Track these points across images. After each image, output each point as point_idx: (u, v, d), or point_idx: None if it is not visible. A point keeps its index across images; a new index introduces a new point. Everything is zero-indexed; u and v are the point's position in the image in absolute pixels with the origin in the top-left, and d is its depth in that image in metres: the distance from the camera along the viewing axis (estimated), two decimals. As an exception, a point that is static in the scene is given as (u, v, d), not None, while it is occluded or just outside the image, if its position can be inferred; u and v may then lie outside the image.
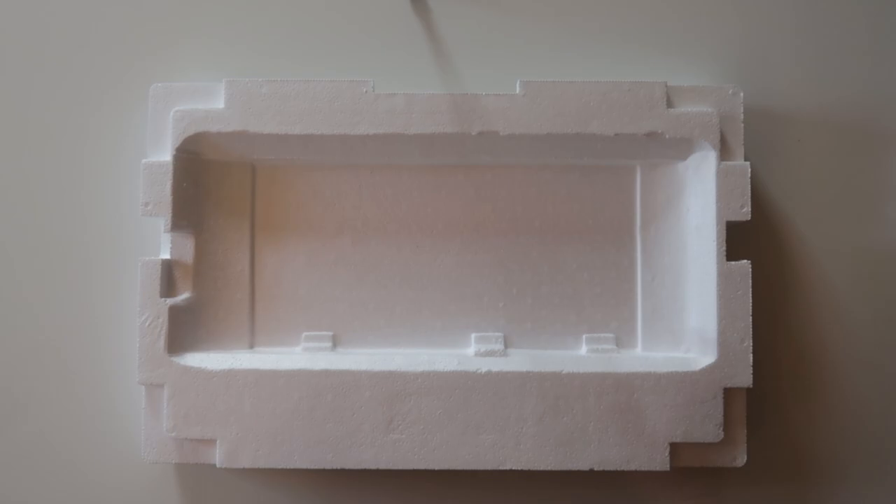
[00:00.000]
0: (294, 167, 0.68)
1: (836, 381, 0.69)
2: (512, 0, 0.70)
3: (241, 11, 0.71)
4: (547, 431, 0.62)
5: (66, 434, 0.68)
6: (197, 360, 0.63)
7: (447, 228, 0.68)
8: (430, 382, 0.63)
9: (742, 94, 0.65)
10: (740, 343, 0.62)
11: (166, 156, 0.64)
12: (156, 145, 0.65)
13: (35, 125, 0.70)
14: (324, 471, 0.64)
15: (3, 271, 0.69)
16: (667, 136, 0.63)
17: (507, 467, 0.62)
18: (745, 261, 0.63)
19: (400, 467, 0.63)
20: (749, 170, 0.63)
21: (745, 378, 0.62)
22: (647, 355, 0.66)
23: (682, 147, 0.65)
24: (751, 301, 0.62)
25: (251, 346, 0.67)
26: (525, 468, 0.62)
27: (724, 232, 0.63)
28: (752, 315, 0.62)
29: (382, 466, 0.63)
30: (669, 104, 0.64)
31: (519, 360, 0.64)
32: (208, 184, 0.67)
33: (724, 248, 0.63)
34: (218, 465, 0.62)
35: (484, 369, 0.63)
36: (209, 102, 0.65)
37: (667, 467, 0.62)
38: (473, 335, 0.67)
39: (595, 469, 0.62)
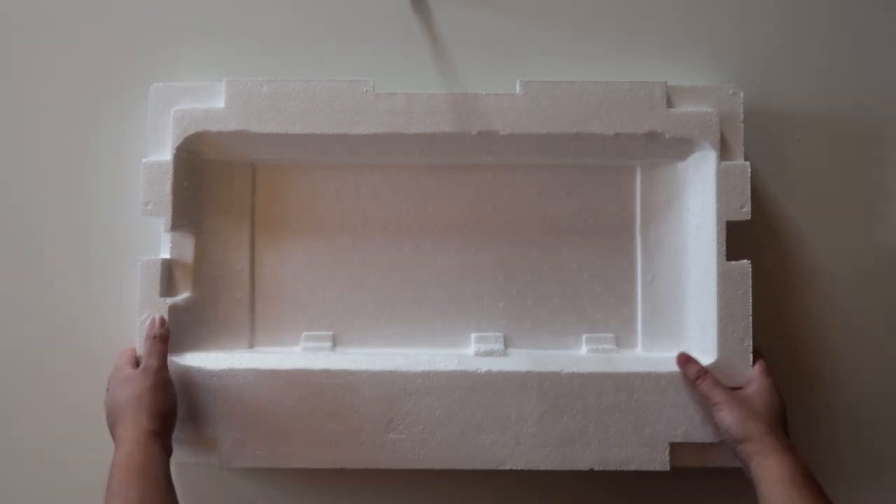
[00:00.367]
0: (294, 166, 0.68)
1: (836, 379, 0.69)
2: (512, 0, 0.70)
3: (242, 12, 0.71)
4: (547, 431, 0.62)
5: (65, 432, 0.68)
6: (197, 359, 0.63)
7: (447, 228, 0.68)
8: (430, 382, 0.63)
9: (742, 95, 0.65)
10: (740, 343, 0.62)
11: (166, 155, 0.64)
12: (156, 145, 0.65)
13: (37, 125, 0.70)
14: (324, 470, 0.64)
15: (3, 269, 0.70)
16: (667, 136, 0.63)
17: (507, 467, 0.62)
18: (745, 261, 0.63)
19: (400, 467, 0.63)
20: (749, 169, 0.63)
21: (744, 377, 0.62)
22: (647, 355, 0.66)
23: (682, 147, 0.65)
24: (751, 301, 0.62)
25: (251, 346, 0.67)
26: (525, 468, 0.62)
27: (724, 232, 0.63)
28: (752, 314, 0.62)
29: (382, 466, 0.63)
30: (669, 104, 0.64)
31: (519, 360, 0.64)
32: (209, 183, 0.66)
33: (724, 247, 0.63)
34: (218, 465, 0.62)
35: (484, 369, 0.63)
36: (209, 102, 0.65)
37: (667, 467, 0.62)
38: (473, 335, 0.67)
39: (595, 469, 0.62)
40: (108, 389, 0.60)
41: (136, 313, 0.63)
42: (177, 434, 0.61)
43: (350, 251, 0.68)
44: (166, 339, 0.61)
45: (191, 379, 0.62)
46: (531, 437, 0.62)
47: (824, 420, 0.68)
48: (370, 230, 0.68)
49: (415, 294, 0.67)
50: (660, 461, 0.62)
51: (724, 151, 0.64)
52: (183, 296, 0.64)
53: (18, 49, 0.70)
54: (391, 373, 0.63)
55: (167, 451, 0.57)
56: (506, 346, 0.66)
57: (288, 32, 0.70)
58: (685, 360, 0.62)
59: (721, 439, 0.61)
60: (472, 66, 0.70)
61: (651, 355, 0.66)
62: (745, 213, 0.63)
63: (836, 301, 0.69)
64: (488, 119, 0.64)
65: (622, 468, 0.62)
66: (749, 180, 0.63)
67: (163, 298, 0.63)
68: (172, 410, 0.59)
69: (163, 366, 0.59)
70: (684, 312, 0.66)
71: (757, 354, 0.63)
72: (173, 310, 0.63)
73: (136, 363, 0.61)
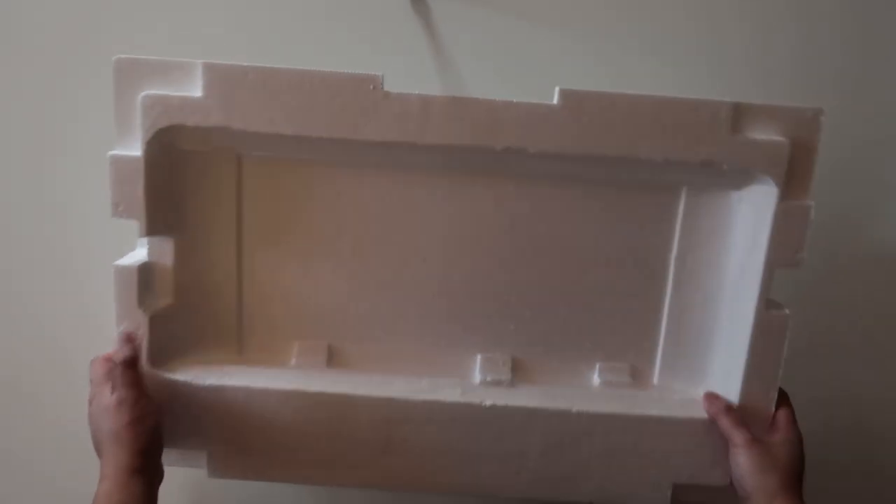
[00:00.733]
0: (287, 161, 0.58)
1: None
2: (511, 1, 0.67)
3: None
4: (549, 466, 0.60)
5: (46, 442, 0.66)
6: (184, 373, 0.59)
7: (459, 241, 0.60)
8: (432, 412, 0.59)
9: (823, 119, 0.54)
10: (764, 395, 0.58)
11: (136, 149, 0.54)
12: (125, 133, 0.55)
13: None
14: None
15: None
16: (724, 167, 0.54)
17: (505, 495, 0.61)
18: (786, 311, 0.56)
19: (394, 489, 0.61)
20: (811, 212, 0.55)
21: (761, 429, 0.58)
22: (661, 394, 0.62)
23: (739, 177, 0.56)
24: (784, 353, 0.57)
25: (240, 353, 0.63)
26: (522, 497, 0.61)
27: (770, 279, 0.56)
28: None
29: (375, 487, 0.61)
30: (735, 127, 0.54)
31: (526, 394, 0.60)
32: (188, 179, 0.58)
33: (767, 295, 0.56)
34: (208, 476, 0.61)
35: (489, 402, 0.59)
36: (185, 87, 0.54)
37: (667, 504, 0.61)
38: (479, 356, 0.62)
39: (594, 503, 0.61)
40: (90, 408, 0.56)
41: (115, 323, 0.57)
42: (166, 445, 0.58)
43: (349, 259, 0.61)
44: (134, 362, 0.56)
45: (178, 391, 0.58)
46: (531, 471, 0.60)
47: (830, 435, 0.66)
48: (372, 237, 0.60)
49: (419, 310, 0.62)
50: (660, 499, 0.61)
51: (789, 187, 0.55)
52: (164, 304, 0.59)
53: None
54: (390, 399, 0.59)
55: (152, 481, 0.55)
56: (514, 370, 0.62)
57: (287, 32, 0.68)
58: (711, 396, 0.59)
59: (729, 483, 0.59)
60: (472, 67, 0.69)
61: (666, 395, 0.62)
62: (797, 259, 0.55)
63: (836, 301, 0.68)
64: (517, 132, 0.54)
65: (621, 503, 0.61)
66: (810, 223, 0.55)
67: (141, 309, 0.57)
68: (155, 443, 0.56)
69: (138, 396, 0.55)
70: (710, 353, 0.61)
71: (783, 400, 0.59)
72: (155, 320, 0.58)
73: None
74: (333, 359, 0.62)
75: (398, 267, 0.61)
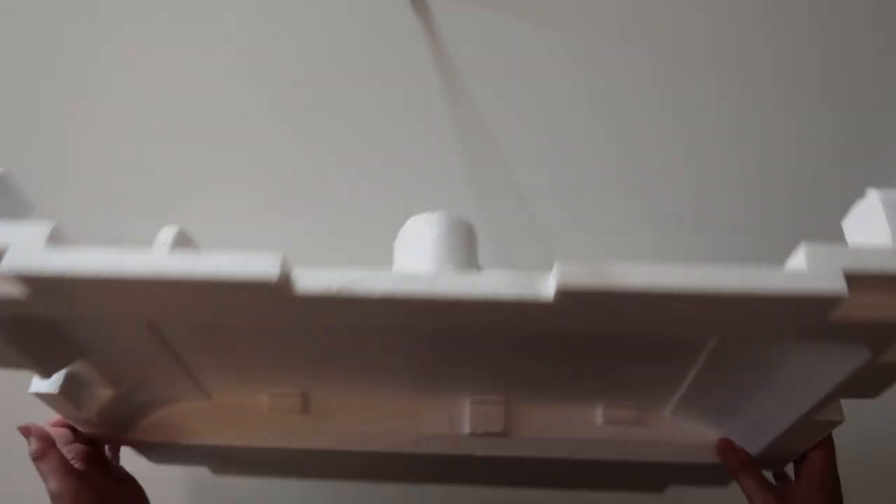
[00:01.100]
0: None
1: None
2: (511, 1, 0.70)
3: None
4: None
5: None
6: (154, 435, 0.56)
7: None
8: (419, 462, 0.57)
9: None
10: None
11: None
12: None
13: None
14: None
15: None
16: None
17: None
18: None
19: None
20: None
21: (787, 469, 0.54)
22: (672, 436, 0.56)
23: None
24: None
25: (210, 398, 0.57)
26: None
27: None
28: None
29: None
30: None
31: (519, 444, 0.56)
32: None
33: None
34: (213, 474, 0.64)
35: (480, 453, 0.56)
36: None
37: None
38: (469, 401, 0.56)
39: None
40: None
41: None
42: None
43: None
44: (59, 460, 0.47)
45: (154, 447, 0.57)
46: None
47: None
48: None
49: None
50: None
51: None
52: (108, 395, 0.52)
53: None
54: (375, 453, 0.56)
55: None
56: (507, 415, 0.56)
57: (287, 31, 0.71)
58: (727, 446, 0.54)
59: None
60: (472, 67, 0.71)
61: (677, 436, 0.56)
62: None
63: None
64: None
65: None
66: None
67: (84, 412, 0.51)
68: None
69: (77, 487, 0.46)
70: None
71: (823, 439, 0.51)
72: (104, 410, 0.52)
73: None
74: (310, 407, 0.57)
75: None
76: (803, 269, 0.35)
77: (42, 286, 0.37)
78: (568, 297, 0.35)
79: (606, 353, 0.47)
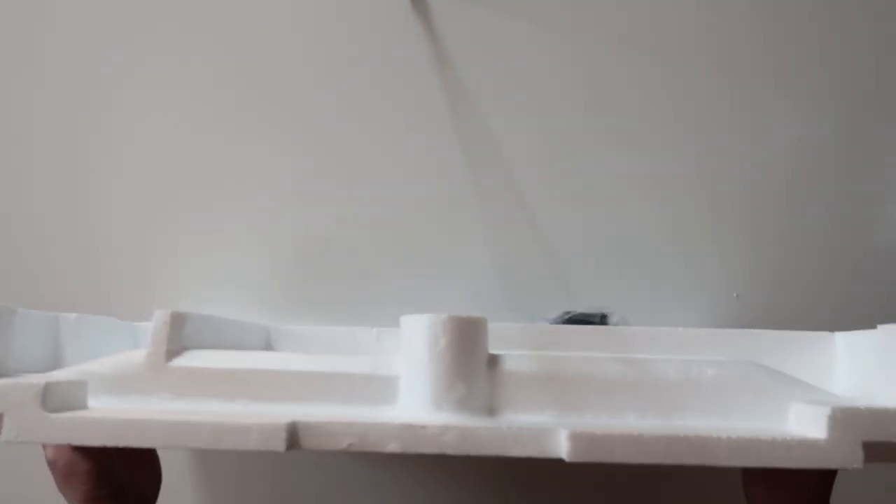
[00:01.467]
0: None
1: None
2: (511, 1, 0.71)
3: None
4: None
5: None
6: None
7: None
8: None
9: None
10: None
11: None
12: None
13: None
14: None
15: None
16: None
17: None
18: None
19: None
20: None
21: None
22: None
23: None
24: None
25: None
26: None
27: None
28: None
29: None
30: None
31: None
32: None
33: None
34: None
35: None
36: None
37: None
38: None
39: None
40: None
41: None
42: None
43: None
44: None
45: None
46: None
47: None
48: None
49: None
50: None
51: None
52: None
53: None
54: None
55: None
56: None
57: (287, 32, 0.72)
58: None
59: None
60: (472, 67, 0.71)
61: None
62: None
63: (835, 300, 0.68)
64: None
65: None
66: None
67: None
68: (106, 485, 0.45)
69: (71, 455, 0.44)
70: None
71: None
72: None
73: None
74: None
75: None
76: (822, 439, 0.34)
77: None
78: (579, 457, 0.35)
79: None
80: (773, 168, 0.72)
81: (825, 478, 0.46)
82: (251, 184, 0.75)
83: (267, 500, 0.70)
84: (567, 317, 0.65)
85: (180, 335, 0.46)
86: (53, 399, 0.38)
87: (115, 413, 0.38)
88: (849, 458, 0.34)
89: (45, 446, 0.45)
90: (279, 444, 0.36)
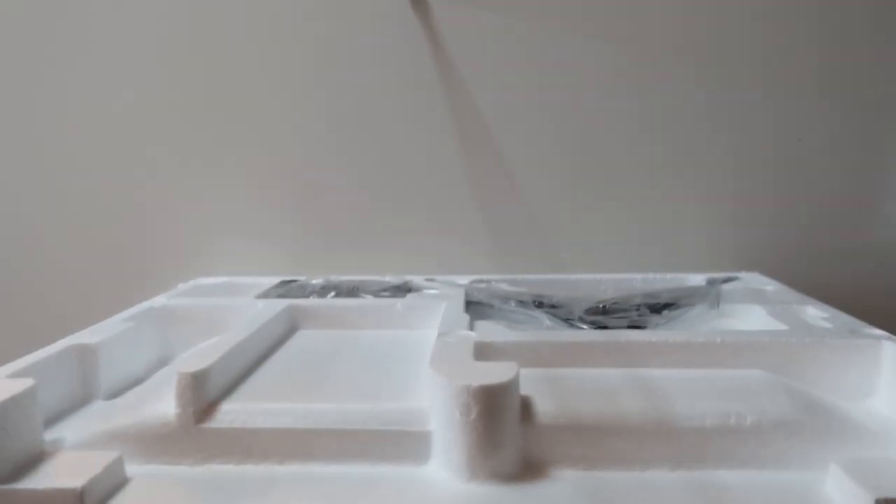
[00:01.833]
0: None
1: None
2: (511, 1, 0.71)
3: None
4: None
5: None
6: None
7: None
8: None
9: None
10: None
11: None
12: None
13: None
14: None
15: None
16: None
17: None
18: None
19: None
20: None
21: None
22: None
23: None
24: None
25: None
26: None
27: None
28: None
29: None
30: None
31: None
32: None
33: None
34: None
35: None
36: None
37: None
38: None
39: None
40: None
41: None
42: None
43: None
44: None
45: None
46: None
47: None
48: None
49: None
50: None
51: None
52: None
53: None
54: None
55: None
56: None
57: (287, 32, 0.73)
58: None
59: None
60: (472, 67, 0.72)
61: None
62: None
63: (835, 298, 0.65)
64: None
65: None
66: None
67: None
68: None
69: None
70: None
71: None
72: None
73: None
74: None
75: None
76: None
77: None
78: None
79: None
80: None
81: None
82: (251, 186, 0.79)
83: None
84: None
85: (205, 391, 0.45)
86: (92, 497, 0.38)
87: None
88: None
89: None
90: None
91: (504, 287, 0.71)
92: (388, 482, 0.42)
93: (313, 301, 0.67)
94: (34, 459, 0.41)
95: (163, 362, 0.64)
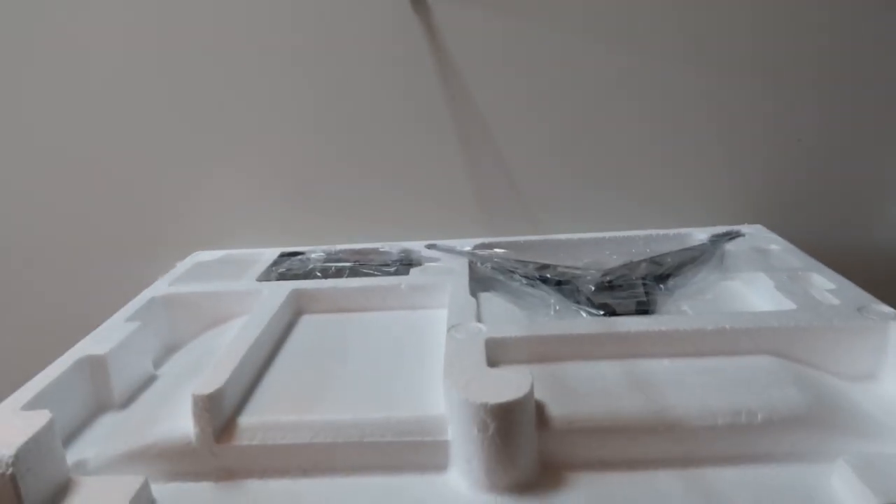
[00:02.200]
0: None
1: None
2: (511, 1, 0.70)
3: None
4: None
5: None
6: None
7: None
8: None
9: None
10: None
11: None
12: None
13: None
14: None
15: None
16: None
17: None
18: None
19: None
20: None
21: None
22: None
23: None
24: None
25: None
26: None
27: None
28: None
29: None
30: None
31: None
32: None
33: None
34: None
35: None
36: None
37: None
38: None
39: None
40: None
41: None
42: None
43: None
44: None
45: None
46: None
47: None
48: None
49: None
50: None
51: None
52: None
53: None
54: None
55: None
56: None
57: (287, 32, 0.72)
58: None
59: None
60: (472, 66, 0.72)
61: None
62: None
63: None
64: None
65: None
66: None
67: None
68: None
69: None
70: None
71: None
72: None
73: None
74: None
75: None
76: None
77: None
78: None
79: None
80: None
81: None
82: (250, 185, 0.80)
83: None
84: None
85: (221, 410, 0.46)
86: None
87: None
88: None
89: None
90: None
91: (507, 256, 0.70)
92: (410, 492, 0.43)
93: (317, 283, 0.66)
94: (63, 490, 0.41)
95: (170, 350, 0.64)
